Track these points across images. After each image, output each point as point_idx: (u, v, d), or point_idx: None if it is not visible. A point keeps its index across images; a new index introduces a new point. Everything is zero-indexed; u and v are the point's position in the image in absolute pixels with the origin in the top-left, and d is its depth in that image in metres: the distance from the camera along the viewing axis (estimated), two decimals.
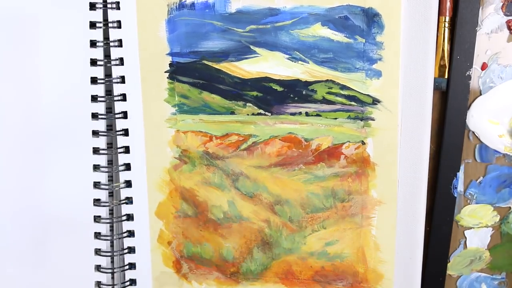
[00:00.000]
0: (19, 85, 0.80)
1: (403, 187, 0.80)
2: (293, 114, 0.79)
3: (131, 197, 0.83)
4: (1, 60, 0.80)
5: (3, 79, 0.80)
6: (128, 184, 0.83)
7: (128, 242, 0.85)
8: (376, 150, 0.79)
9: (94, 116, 0.81)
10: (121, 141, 0.81)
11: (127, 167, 0.82)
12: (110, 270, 0.85)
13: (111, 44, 0.79)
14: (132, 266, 0.85)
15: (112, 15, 0.78)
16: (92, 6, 0.78)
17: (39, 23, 0.79)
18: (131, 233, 0.84)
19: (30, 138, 0.82)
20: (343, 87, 0.77)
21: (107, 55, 0.80)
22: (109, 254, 0.85)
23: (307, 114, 0.78)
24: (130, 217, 0.84)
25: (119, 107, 0.80)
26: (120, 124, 0.81)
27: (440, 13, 0.76)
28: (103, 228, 0.84)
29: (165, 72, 0.79)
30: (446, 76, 0.78)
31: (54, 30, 0.79)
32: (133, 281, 0.85)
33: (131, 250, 0.85)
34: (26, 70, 0.80)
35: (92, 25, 0.79)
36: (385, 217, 0.81)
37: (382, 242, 0.82)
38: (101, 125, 0.81)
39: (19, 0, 0.79)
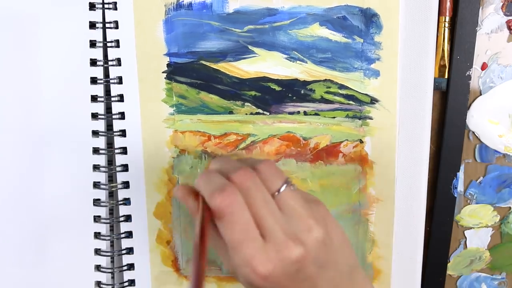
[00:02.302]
0: (19, 85, 0.80)
1: (402, 186, 0.80)
2: (291, 113, 0.79)
3: (129, 198, 0.83)
4: (1, 60, 0.80)
5: (3, 79, 0.80)
6: (126, 185, 0.83)
7: (126, 243, 0.85)
8: (374, 148, 0.79)
9: (94, 116, 0.81)
10: (119, 141, 0.81)
11: (125, 167, 0.82)
12: (110, 270, 0.85)
13: (109, 44, 0.79)
14: (131, 266, 0.85)
15: (110, 15, 0.78)
16: (92, 6, 0.78)
17: (39, 23, 0.79)
18: (129, 234, 0.84)
19: (30, 138, 0.82)
20: (342, 86, 0.77)
21: (106, 56, 0.80)
22: (109, 254, 0.85)
23: (305, 113, 0.79)
24: (128, 218, 0.84)
25: (116, 107, 0.80)
26: (117, 125, 0.81)
27: (440, 13, 0.77)
28: (103, 228, 0.84)
29: (163, 72, 0.79)
30: (446, 76, 0.79)
31: (54, 30, 0.79)
32: (132, 282, 0.86)
33: (130, 251, 0.85)
34: (26, 70, 0.80)
35: (92, 25, 0.79)
36: (383, 214, 0.81)
37: (380, 238, 0.82)
38: (100, 125, 0.81)
39: (19, 0, 0.79)
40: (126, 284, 0.86)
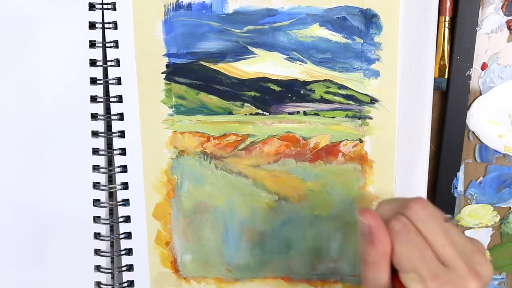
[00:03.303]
0: (18, 85, 0.80)
1: (402, 186, 0.80)
2: (291, 113, 0.79)
3: (128, 199, 0.83)
4: (0, 60, 0.80)
5: (3, 79, 0.80)
6: (125, 186, 0.83)
7: (125, 244, 0.85)
8: (373, 148, 0.79)
9: (94, 116, 0.81)
10: (118, 142, 0.81)
11: (124, 169, 0.82)
12: (110, 270, 0.85)
13: (107, 45, 0.79)
14: (130, 267, 0.85)
15: (108, 16, 0.78)
16: (92, 7, 0.78)
17: (39, 23, 0.79)
18: (128, 235, 0.84)
19: (30, 138, 0.82)
20: (341, 86, 0.77)
21: (105, 56, 0.80)
22: (108, 254, 0.85)
23: (305, 113, 0.79)
24: (127, 219, 0.84)
25: (115, 108, 0.80)
26: (116, 126, 0.81)
27: (440, 13, 0.76)
28: (103, 229, 0.84)
29: (162, 73, 0.79)
30: (446, 76, 0.78)
31: (54, 31, 0.79)
32: (131, 283, 0.86)
33: (129, 252, 0.85)
34: (25, 70, 0.80)
35: (92, 25, 0.79)
36: None
37: None
38: (100, 125, 0.81)
39: (19, 0, 0.79)
40: (126, 285, 0.86)
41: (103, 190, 0.83)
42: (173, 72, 0.79)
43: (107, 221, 0.84)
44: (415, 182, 0.80)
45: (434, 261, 0.58)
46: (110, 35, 0.79)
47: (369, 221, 0.60)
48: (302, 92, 0.78)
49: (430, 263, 0.57)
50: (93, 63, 0.80)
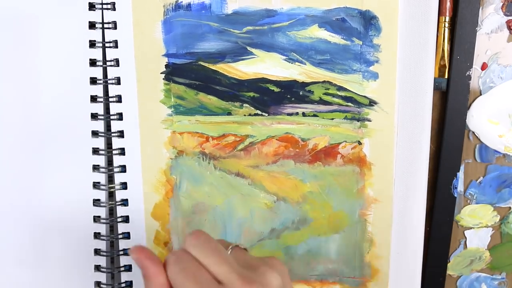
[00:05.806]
0: (18, 85, 0.80)
1: (402, 186, 0.80)
2: (290, 114, 0.79)
3: (127, 199, 0.83)
4: (1, 60, 0.80)
5: (3, 79, 0.80)
6: (124, 186, 0.83)
7: (124, 244, 0.85)
8: (372, 150, 0.79)
9: (94, 116, 0.81)
10: (117, 142, 0.81)
11: (123, 168, 0.82)
12: (109, 270, 0.85)
13: (107, 45, 0.79)
14: (128, 268, 0.85)
15: (108, 15, 0.78)
16: (92, 7, 0.78)
17: (39, 23, 0.79)
18: (128, 235, 0.84)
19: (30, 138, 0.82)
20: (340, 88, 0.77)
21: (105, 56, 0.80)
22: (108, 254, 0.85)
23: (304, 114, 0.79)
24: (126, 219, 0.84)
25: (114, 108, 0.80)
26: (115, 126, 0.81)
27: (440, 13, 0.76)
28: (103, 228, 0.84)
29: (161, 73, 0.79)
30: (446, 76, 0.78)
31: (54, 30, 0.79)
32: (129, 283, 0.86)
33: (127, 252, 0.85)
34: (25, 70, 0.80)
35: (92, 25, 0.79)
36: (381, 214, 0.81)
37: (378, 238, 0.82)
38: (100, 125, 0.81)
39: (19, 0, 0.79)
40: (124, 285, 0.86)
41: (103, 190, 0.83)
42: (172, 72, 0.79)
43: (107, 221, 0.84)
44: (415, 182, 0.80)
45: (208, 281, 0.58)
46: (110, 35, 0.79)
47: (139, 256, 0.61)
48: (301, 93, 0.78)
49: (204, 284, 0.57)
50: (93, 63, 0.80)
